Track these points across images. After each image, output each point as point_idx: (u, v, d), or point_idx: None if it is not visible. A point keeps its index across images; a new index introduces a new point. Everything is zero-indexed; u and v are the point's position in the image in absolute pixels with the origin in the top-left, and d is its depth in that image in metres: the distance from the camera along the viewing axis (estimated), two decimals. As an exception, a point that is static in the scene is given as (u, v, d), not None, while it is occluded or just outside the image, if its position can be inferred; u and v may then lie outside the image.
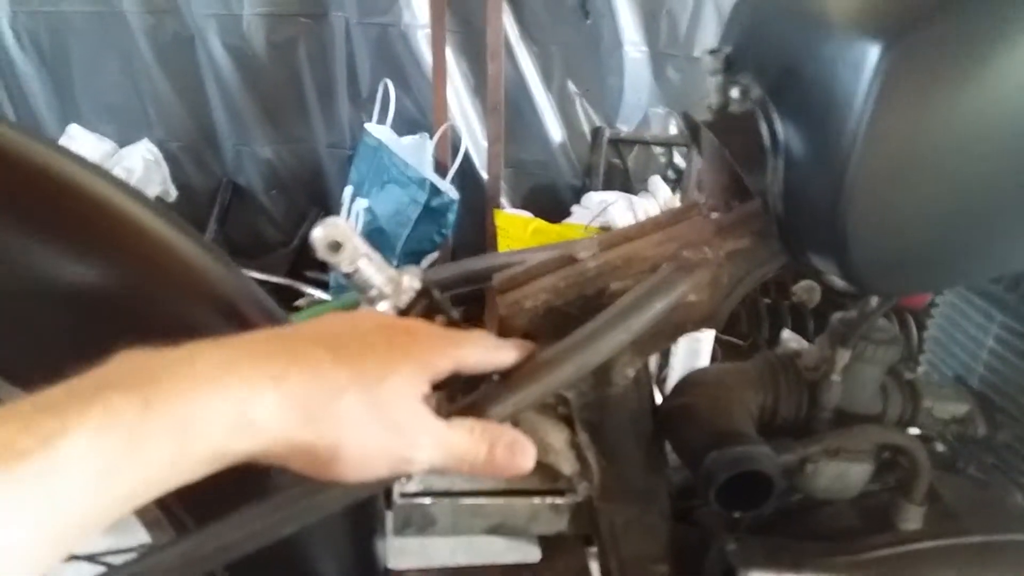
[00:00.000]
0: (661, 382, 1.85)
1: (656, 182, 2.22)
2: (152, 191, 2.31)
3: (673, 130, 2.51)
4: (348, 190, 2.36)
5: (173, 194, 2.40)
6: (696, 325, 0.67)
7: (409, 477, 0.75)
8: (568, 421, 0.72)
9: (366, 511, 0.74)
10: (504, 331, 0.67)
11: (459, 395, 0.69)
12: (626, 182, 2.49)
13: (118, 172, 2.23)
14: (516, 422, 0.71)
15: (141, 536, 0.70)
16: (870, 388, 0.72)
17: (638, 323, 0.59)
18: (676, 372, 1.80)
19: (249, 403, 0.37)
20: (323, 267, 2.50)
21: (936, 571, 0.69)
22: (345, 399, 0.40)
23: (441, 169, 2.33)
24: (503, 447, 0.48)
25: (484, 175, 2.38)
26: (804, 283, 0.84)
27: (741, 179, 0.66)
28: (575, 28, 2.33)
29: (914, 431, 0.75)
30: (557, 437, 0.72)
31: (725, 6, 2.30)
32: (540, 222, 2.15)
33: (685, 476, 0.81)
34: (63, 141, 2.29)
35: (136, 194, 0.62)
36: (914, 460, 0.70)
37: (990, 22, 0.50)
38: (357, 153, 2.38)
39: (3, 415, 0.30)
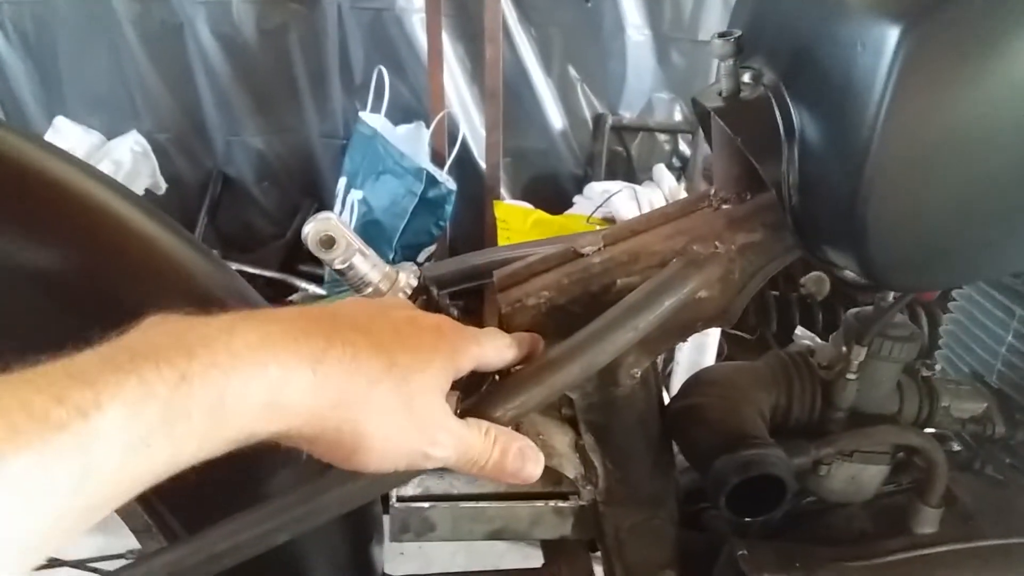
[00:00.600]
0: (666, 379, 1.82)
1: (661, 171, 2.19)
2: (141, 184, 2.27)
3: (678, 116, 2.47)
4: (342, 181, 2.32)
5: (163, 187, 2.36)
6: (707, 323, 0.64)
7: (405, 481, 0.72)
8: (572, 423, 0.69)
9: (363, 516, 0.71)
10: (505, 330, 0.64)
11: (462, 395, 0.66)
12: (629, 171, 2.45)
13: (106, 164, 2.19)
14: (519, 424, 0.69)
15: (130, 542, 0.68)
16: (886, 387, 0.69)
17: (646, 321, 0.57)
18: (682, 368, 1.78)
19: (285, 384, 0.37)
20: (317, 261, 2.41)
21: (952, 575, 0.66)
22: (379, 389, 0.40)
23: (438, 159, 2.29)
24: (514, 453, 0.48)
25: (482, 165, 2.34)
26: (813, 275, 0.81)
27: (753, 169, 0.63)
28: (575, 10, 2.28)
29: (929, 430, 0.73)
30: (561, 440, 0.69)
31: (728, -11, 2.26)
32: (541, 213, 2.11)
33: (692, 479, 0.78)
34: (50, 134, 2.25)
35: (118, 188, 0.60)
36: (931, 461, 0.68)
37: (1017, 2, 0.47)
38: (351, 143, 2.34)
39: (36, 381, 0.30)
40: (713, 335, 1.80)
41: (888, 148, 0.49)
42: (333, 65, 2.38)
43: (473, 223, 2.40)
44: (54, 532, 0.29)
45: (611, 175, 2.41)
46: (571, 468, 0.71)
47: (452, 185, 2.25)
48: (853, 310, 0.71)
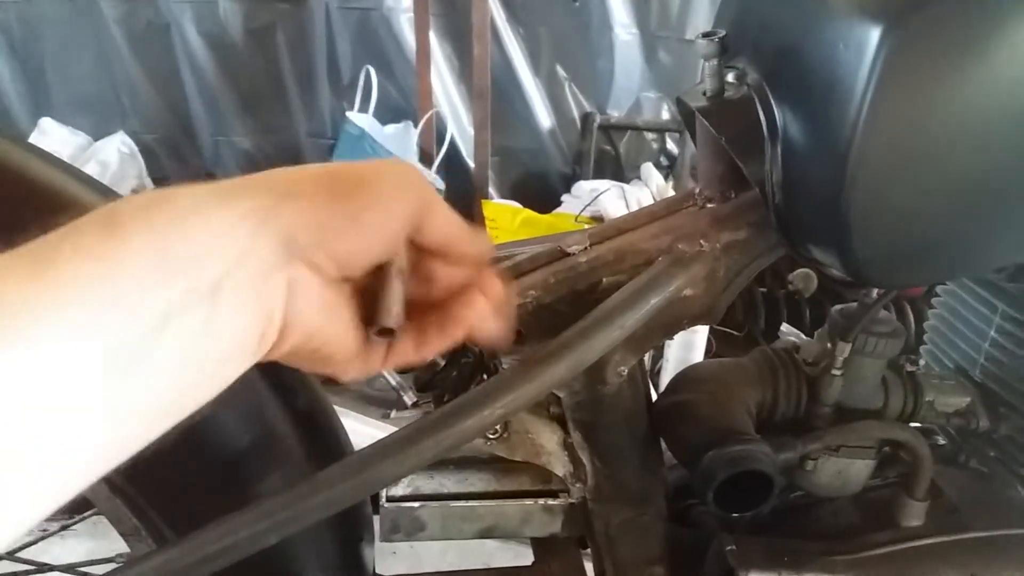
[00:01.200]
0: (655, 376, 1.83)
1: (649, 169, 2.20)
2: (128, 185, 2.26)
3: (666, 115, 2.48)
4: (331, 181, 2.31)
5: (149, 188, 2.35)
6: (692, 320, 0.64)
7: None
8: (560, 421, 0.70)
9: (353, 517, 0.71)
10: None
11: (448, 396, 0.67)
12: (617, 170, 2.46)
13: (92, 166, 2.18)
14: (507, 423, 0.69)
15: (118, 546, 0.68)
16: (871, 382, 0.70)
17: (632, 320, 0.57)
18: (671, 365, 1.79)
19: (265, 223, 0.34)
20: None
21: (939, 568, 0.67)
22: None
23: (426, 158, 2.30)
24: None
25: (471, 164, 2.34)
26: (801, 271, 0.82)
27: (737, 168, 0.64)
28: (563, 10, 2.29)
29: (914, 425, 0.73)
30: (549, 438, 0.70)
31: (714, -12, 2.27)
32: (529, 212, 2.12)
33: (680, 475, 0.79)
34: (35, 135, 2.23)
35: (106, 193, 0.59)
36: (917, 455, 0.68)
37: (998, 2, 0.48)
38: (339, 142, 2.34)
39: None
40: (701, 332, 1.81)
41: (869, 146, 0.50)
42: (321, 65, 2.38)
43: (462, 222, 2.40)
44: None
45: (599, 174, 2.42)
46: (560, 466, 0.71)
47: (440, 184, 2.25)
48: (837, 306, 0.72)
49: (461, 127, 2.39)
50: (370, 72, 2.26)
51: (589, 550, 0.78)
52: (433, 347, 0.46)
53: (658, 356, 1.83)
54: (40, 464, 0.28)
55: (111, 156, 2.21)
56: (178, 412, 0.35)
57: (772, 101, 0.57)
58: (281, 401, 0.62)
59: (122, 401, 0.30)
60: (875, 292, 0.69)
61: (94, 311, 0.29)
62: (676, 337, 1.76)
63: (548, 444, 0.70)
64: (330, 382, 0.54)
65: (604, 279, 0.63)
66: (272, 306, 0.36)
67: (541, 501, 0.76)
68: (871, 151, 0.50)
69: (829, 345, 0.69)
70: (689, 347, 1.81)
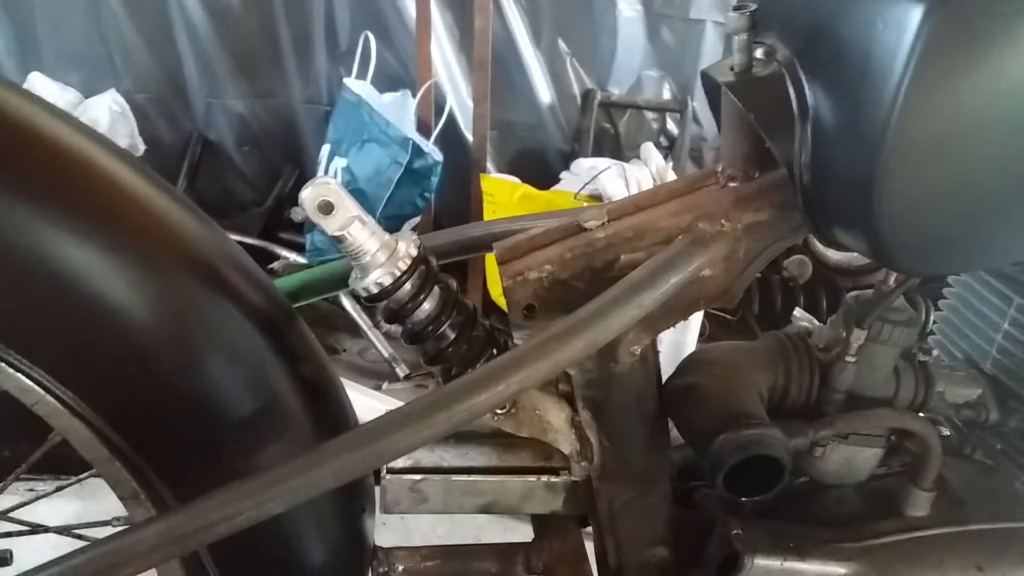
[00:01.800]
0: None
1: (649, 149, 2.18)
2: (119, 144, 2.21)
3: (667, 95, 2.45)
4: (325, 148, 2.28)
5: (141, 148, 2.30)
6: (709, 301, 0.63)
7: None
8: (569, 399, 0.69)
9: (354, 488, 0.70)
10: (507, 303, 0.63)
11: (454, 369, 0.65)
12: (616, 148, 2.44)
13: (84, 123, 2.13)
14: (516, 399, 0.68)
15: (107, 507, 0.66)
16: (883, 370, 0.70)
17: (651, 299, 0.56)
18: (665, 348, 1.78)
19: None
20: (298, 228, 2.42)
21: (944, 559, 0.67)
22: None
23: (424, 129, 2.26)
24: None
25: (469, 137, 2.31)
26: (796, 258, 0.81)
27: (761, 147, 0.62)
28: (567, -17, 2.25)
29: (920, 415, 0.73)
30: (557, 415, 0.69)
31: (722, -33, 2.24)
32: (528, 188, 2.09)
33: (684, 456, 0.78)
34: (25, 88, 2.17)
35: (110, 146, 0.57)
36: (926, 446, 0.68)
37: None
38: (335, 109, 2.29)
39: None
40: (696, 315, 1.80)
41: (906, 129, 0.48)
42: (318, 29, 2.33)
43: (458, 196, 2.38)
44: None
45: (598, 151, 2.40)
46: (566, 444, 0.70)
47: (438, 156, 2.22)
48: (853, 293, 0.71)
49: (460, 99, 2.36)
50: (369, 39, 2.21)
51: (589, 528, 0.78)
52: None
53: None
54: None
55: (102, 114, 2.16)
56: None
57: (803, 79, 0.55)
58: (286, 368, 0.61)
59: None
60: (892, 279, 0.69)
61: None
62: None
63: (555, 421, 0.69)
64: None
65: (622, 256, 0.62)
66: None
67: (544, 478, 0.75)
68: (907, 135, 0.49)
69: (843, 332, 0.68)
70: (684, 330, 1.81)
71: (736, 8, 0.59)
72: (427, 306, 0.60)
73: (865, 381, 0.69)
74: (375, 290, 0.58)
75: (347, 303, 2.18)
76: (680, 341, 1.80)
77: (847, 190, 0.53)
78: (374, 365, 2.18)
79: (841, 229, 0.56)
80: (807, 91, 0.55)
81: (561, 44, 2.37)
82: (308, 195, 0.54)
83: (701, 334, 1.87)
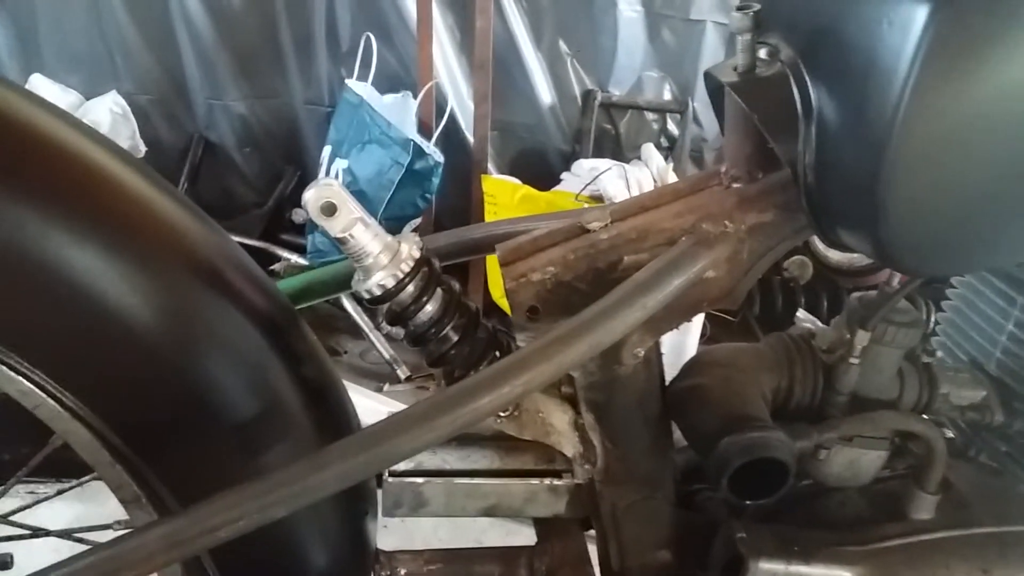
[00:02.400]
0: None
1: (649, 150, 2.18)
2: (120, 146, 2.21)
3: (667, 95, 2.45)
4: (327, 150, 2.28)
5: (142, 150, 2.30)
6: (713, 303, 0.63)
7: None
8: (572, 401, 0.68)
9: (356, 491, 0.69)
10: (509, 305, 0.63)
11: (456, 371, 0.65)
12: (617, 149, 2.44)
13: (84, 125, 2.13)
14: (519, 403, 0.67)
15: (108, 510, 0.66)
16: (888, 372, 0.69)
17: (655, 301, 0.55)
18: (666, 348, 1.77)
19: None
20: (299, 230, 2.42)
21: (949, 562, 0.66)
22: None
23: (425, 130, 2.26)
24: None
25: (470, 137, 2.30)
26: (796, 258, 0.81)
27: (765, 147, 0.62)
28: (567, -17, 2.25)
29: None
30: (560, 418, 0.68)
31: (723, -32, 2.24)
32: (529, 189, 2.09)
33: (687, 458, 0.78)
34: (26, 90, 2.17)
35: (112, 146, 0.57)
36: (930, 448, 0.67)
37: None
38: (337, 111, 2.29)
39: None
40: (697, 317, 1.80)
41: (912, 129, 0.48)
42: (319, 30, 2.33)
43: (459, 197, 2.38)
44: None
45: (598, 152, 2.40)
46: (569, 446, 0.70)
47: (439, 157, 2.21)
48: (856, 294, 0.70)
49: (461, 100, 2.36)
50: (370, 40, 2.21)
51: (592, 532, 0.77)
52: None
53: (654, 338, 1.82)
54: None
55: (103, 116, 2.16)
56: None
57: (807, 79, 0.55)
58: (289, 371, 0.60)
59: None
60: (896, 280, 0.68)
61: None
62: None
63: (559, 424, 0.68)
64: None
65: (625, 257, 0.61)
66: None
67: (546, 481, 0.75)
68: (912, 135, 0.48)
69: (847, 333, 0.68)
70: (685, 331, 1.80)
71: (739, 8, 0.59)
72: (430, 308, 0.60)
73: (869, 383, 0.69)
74: (378, 292, 0.57)
75: (348, 304, 2.18)
76: (681, 342, 1.80)
77: (852, 191, 0.53)
78: (375, 367, 2.18)
79: (845, 230, 0.56)
80: (811, 91, 0.55)
81: (562, 45, 2.37)
82: (311, 197, 0.54)
83: (702, 335, 1.87)
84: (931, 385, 0.70)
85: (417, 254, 0.59)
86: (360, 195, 2.18)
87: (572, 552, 0.76)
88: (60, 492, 0.67)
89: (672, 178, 2.09)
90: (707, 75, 0.64)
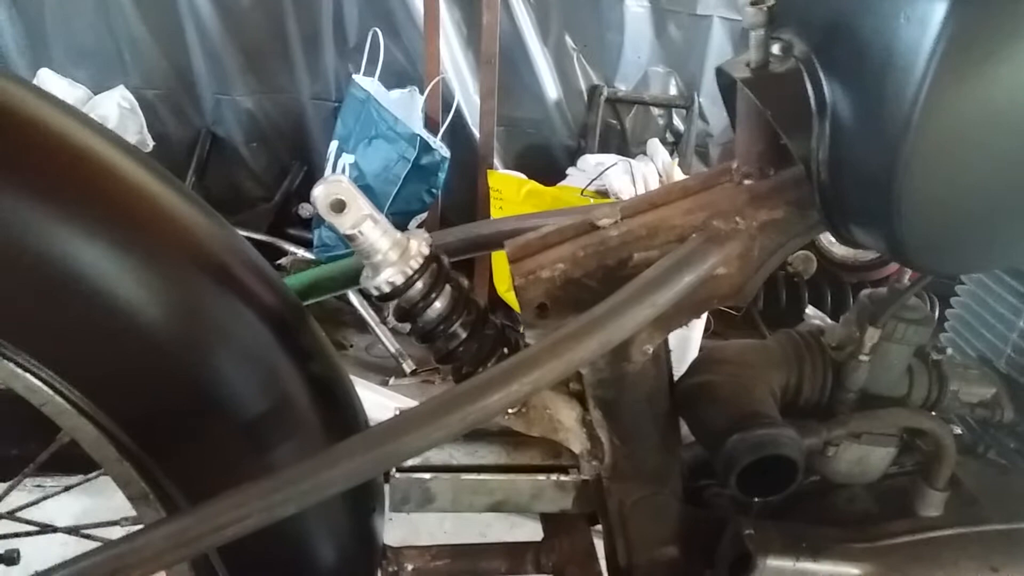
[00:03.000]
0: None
1: (655, 145, 2.17)
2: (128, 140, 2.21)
3: (673, 91, 2.44)
4: (333, 145, 2.28)
5: (149, 144, 2.30)
6: (723, 300, 0.63)
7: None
8: (580, 398, 0.68)
9: (364, 487, 0.69)
10: (518, 302, 0.62)
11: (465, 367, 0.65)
12: (623, 144, 2.43)
13: (92, 119, 2.13)
14: (527, 399, 0.67)
15: (114, 505, 0.66)
16: (897, 369, 0.69)
17: (665, 298, 0.55)
18: (671, 343, 1.77)
19: None
20: (306, 224, 2.42)
21: (958, 559, 0.66)
22: None
23: (431, 125, 2.25)
24: None
25: (476, 133, 2.30)
26: (801, 253, 0.81)
27: (777, 144, 0.62)
28: (574, -22, 2.25)
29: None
30: (568, 414, 0.68)
31: (731, -37, 2.23)
32: (534, 184, 2.09)
33: (694, 454, 0.78)
34: (33, 85, 2.17)
35: (119, 141, 0.57)
36: (939, 445, 0.67)
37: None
38: (343, 106, 2.29)
39: None
40: (704, 312, 1.79)
41: (928, 126, 0.48)
42: (327, 25, 2.33)
43: (465, 192, 2.37)
44: None
45: (604, 148, 2.39)
46: (577, 443, 0.69)
47: (446, 152, 2.21)
48: (866, 291, 0.70)
49: (467, 95, 2.35)
50: (377, 35, 2.21)
51: (599, 527, 0.77)
52: None
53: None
54: None
55: (110, 111, 2.15)
56: None
57: (821, 75, 0.55)
58: (297, 367, 0.60)
59: None
60: (907, 277, 0.68)
61: None
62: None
63: (566, 420, 0.68)
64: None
65: (635, 255, 0.61)
66: None
67: (553, 477, 0.75)
68: (929, 132, 0.48)
69: (857, 330, 0.68)
70: (690, 325, 1.80)
71: (753, 3, 0.58)
72: (438, 305, 0.60)
73: (878, 380, 0.69)
74: (387, 289, 0.57)
75: (354, 299, 2.18)
76: (686, 337, 1.79)
77: (866, 188, 0.53)
78: (381, 361, 2.18)
79: (859, 227, 0.56)
80: (825, 87, 0.54)
81: (568, 40, 2.36)
82: (321, 193, 0.54)
83: (706, 330, 1.86)
84: (940, 382, 0.70)
85: (426, 251, 0.59)
86: (366, 190, 2.17)
87: (579, 548, 0.76)
88: (67, 488, 0.67)
89: (678, 174, 2.09)
90: (719, 71, 0.63)
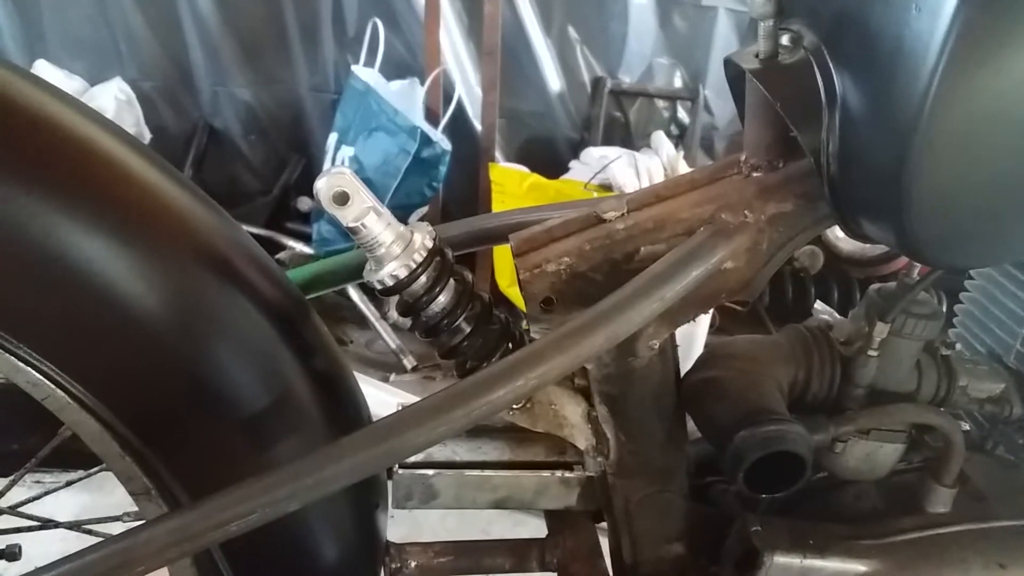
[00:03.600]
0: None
1: (659, 138, 2.16)
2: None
3: (678, 83, 2.43)
4: (332, 137, 2.26)
5: (147, 137, 2.29)
6: (731, 294, 0.62)
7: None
8: (585, 393, 0.67)
9: (367, 483, 0.69)
10: (523, 296, 0.62)
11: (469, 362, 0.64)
12: (627, 137, 2.42)
13: (90, 111, 2.12)
14: (532, 395, 0.66)
15: (115, 500, 0.65)
16: (906, 364, 0.68)
17: (672, 292, 0.55)
18: (677, 338, 1.77)
19: None
20: (304, 218, 2.41)
21: (966, 556, 0.65)
22: None
23: (432, 117, 2.24)
24: None
25: (478, 125, 2.29)
26: (807, 248, 0.80)
27: (787, 136, 0.61)
28: (577, -32, 2.23)
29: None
30: (573, 410, 0.67)
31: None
32: (537, 177, 2.08)
33: (701, 451, 0.77)
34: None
35: (119, 132, 0.56)
36: (948, 441, 0.66)
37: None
38: (343, 97, 2.28)
39: None
40: (707, 305, 1.79)
41: (939, 118, 0.47)
42: (326, 15, 2.31)
43: (467, 185, 2.36)
44: None
45: (608, 140, 2.38)
46: (582, 439, 0.69)
47: (447, 145, 2.20)
48: (875, 286, 0.69)
49: (469, 87, 2.34)
50: (377, 26, 2.19)
51: (603, 524, 0.77)
52: None
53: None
54: None
55: (107, 103, 2.14)
56: None
57: (831, 66, 0.54)
58: (300, 361, 0.60)
59: None
60: (916, 272, 0.67)
61: None
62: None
63: (572, 416, 0.68)
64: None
65: (642, 248, 0.60)
66: None
67: (558, 473, 0.74)
68: (940, 124, 0.47)
69: (866, 325, 0.67)
70: (696, 320, 1.79)
71: (761, -7, 0.57)
72: (442, 299, 0.59)
73: (887, 375, 0.68)
74: (390, 283, 0.56)
75: (354, 294, 2.18)
76: (691, 332, 1.78)
77: (876, 180, 0.52)
78: (381, 356, 2.18)
79: (868, 220, 0.55)
80: (835, 78, 0.53)
81: (571, 31, 2.35)
82: (323, 185, 0.53)
83: (712, 325, 1.86)
84: (949, 378, 0.69)
85: (430, 244, 0.58)
86: (367, 183, 2.15)
87: (584, 545, 0.75)
88: (68, 483, 0.66)
89: (682, 167, 2.08)
90: (727, 62, 0.62)
